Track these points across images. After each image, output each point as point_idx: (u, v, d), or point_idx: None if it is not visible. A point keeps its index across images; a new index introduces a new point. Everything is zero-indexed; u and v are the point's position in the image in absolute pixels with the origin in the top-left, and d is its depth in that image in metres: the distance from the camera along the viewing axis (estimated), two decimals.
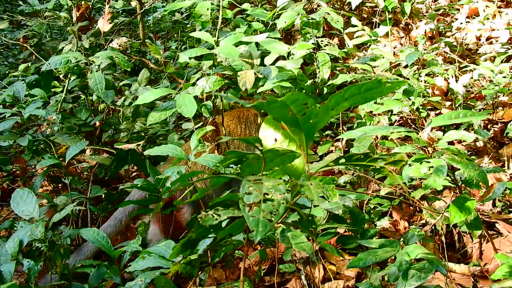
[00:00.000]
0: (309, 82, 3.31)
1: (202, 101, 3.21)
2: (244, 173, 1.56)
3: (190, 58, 3.03)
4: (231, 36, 3.10)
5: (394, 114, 4.09)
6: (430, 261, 2.09)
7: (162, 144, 3.93)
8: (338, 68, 4.28)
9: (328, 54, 3.25)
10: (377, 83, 1.34)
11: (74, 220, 3.40)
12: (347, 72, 4.02)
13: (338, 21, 3.29)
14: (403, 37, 5.80)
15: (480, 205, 3.25)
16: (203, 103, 3.07)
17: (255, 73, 3.17)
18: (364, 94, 1.38)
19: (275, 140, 1.70)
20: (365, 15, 6.25)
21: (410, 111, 4.21)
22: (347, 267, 2.24)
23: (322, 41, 3.28)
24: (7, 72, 5.46)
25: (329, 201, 2.57)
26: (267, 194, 1.25)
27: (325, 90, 3.35)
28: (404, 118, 4.36)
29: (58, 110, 3.97)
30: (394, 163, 1.52)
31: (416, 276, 2.21)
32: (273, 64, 3.21)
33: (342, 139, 3.71)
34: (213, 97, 3.20)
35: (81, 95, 4.43)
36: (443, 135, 2.44)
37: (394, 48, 5.68)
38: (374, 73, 3.49)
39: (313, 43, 3.28)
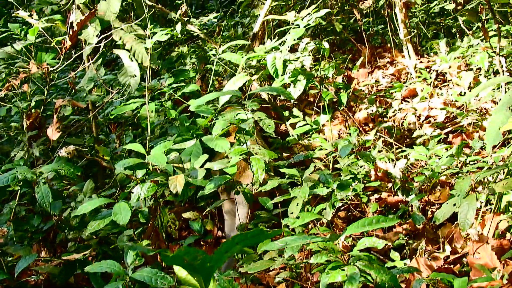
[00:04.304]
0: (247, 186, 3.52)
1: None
2: None
3: (125, 169, 3.26)
4: (161, 145, 3.39)
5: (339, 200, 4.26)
6: None
7: (116, 244, 4.05)
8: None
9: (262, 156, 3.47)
10: (261, 232, 1.55)
11: None
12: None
13: (269, 125, 3.55)
14: (347, 120, 6.05)
15: None
16: (140, 210, 3.29)
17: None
18: (251, 240, 1.58)
19: None
20: (311, 99, 6.50)
21: (353, 197, 4.44)
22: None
23: (253, 148, 3.49)
24: None
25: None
26: None
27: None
28: (347, 204, 4.57)
29: (11, 218, 4.09)
30: None
31: None
32: (202, 166, 3.44)
33: None
34: (151, 201, 3.42)
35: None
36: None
37: (339, 131, 5.95)
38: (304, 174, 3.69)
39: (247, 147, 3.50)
